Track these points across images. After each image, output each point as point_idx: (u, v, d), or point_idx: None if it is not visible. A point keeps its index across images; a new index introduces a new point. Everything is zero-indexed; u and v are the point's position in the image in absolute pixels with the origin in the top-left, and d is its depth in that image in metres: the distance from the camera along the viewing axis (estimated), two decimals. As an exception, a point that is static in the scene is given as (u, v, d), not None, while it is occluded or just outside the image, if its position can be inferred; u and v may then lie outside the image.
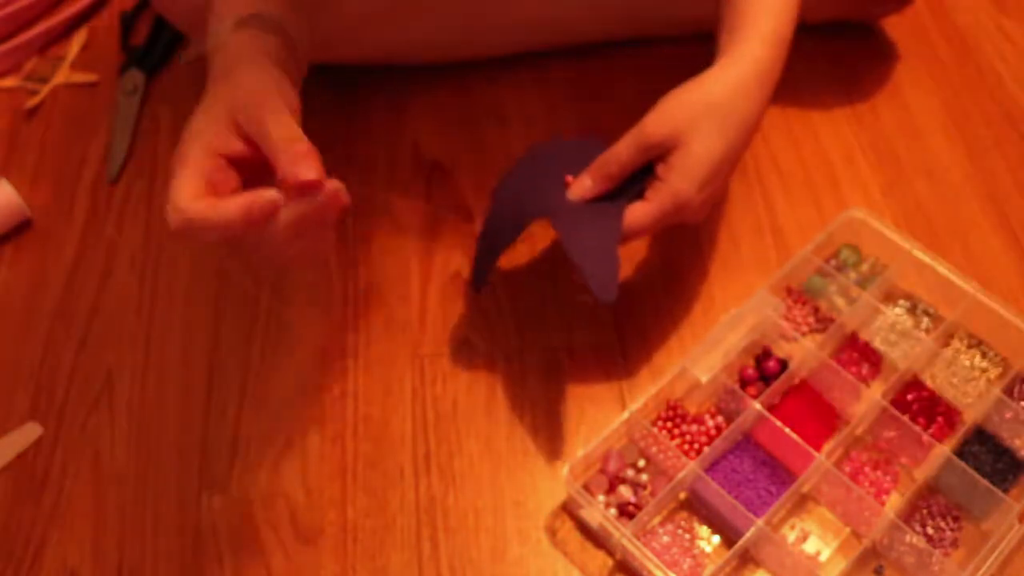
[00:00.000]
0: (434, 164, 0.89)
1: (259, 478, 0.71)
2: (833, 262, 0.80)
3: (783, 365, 0.74)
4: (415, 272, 0.82)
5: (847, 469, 0.70)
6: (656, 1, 0.92)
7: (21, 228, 0.86)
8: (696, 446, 0.70)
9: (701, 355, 0.71)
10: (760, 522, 0.64)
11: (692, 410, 0.73)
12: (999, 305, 0.73)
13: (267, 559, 0.67)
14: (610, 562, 0.67)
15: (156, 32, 0.98)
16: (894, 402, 0.71)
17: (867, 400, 0.71)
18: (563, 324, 0.78)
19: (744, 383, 0.73)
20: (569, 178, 0.68)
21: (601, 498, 0.68)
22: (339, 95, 0.94)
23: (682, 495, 0.69)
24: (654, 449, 0.70)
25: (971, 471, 0.67)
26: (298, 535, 0.68)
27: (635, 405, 0.69)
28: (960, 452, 0.70)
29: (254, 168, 0.56)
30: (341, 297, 0.80)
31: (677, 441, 0.70)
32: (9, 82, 0.97)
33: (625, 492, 0.68)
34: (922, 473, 0.69)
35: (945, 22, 1.00)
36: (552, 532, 0.68)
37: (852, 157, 0.89)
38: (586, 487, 0.68)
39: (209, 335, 0.78)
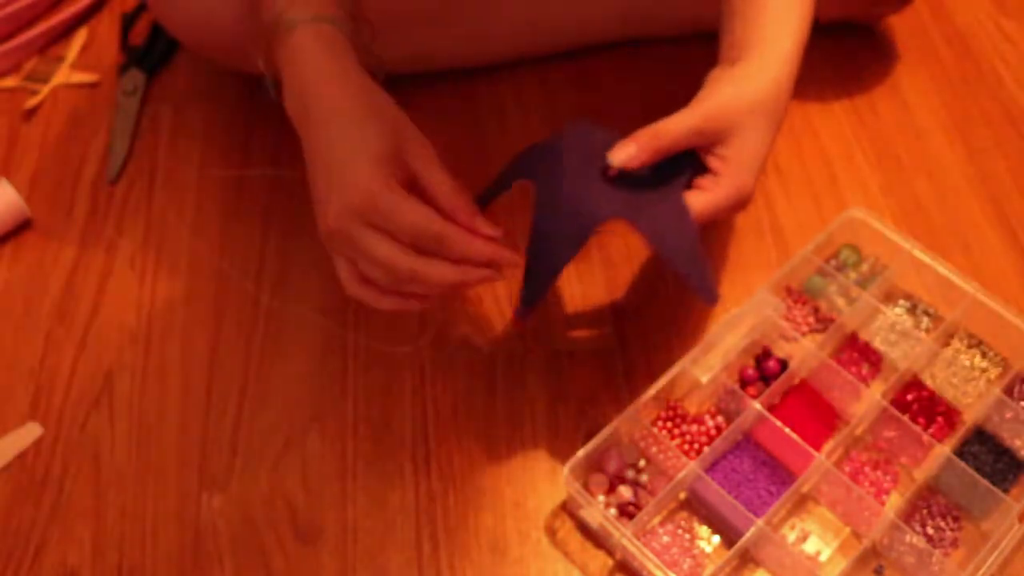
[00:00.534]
0: (434, 164, 0.89)
1: (259, 478, 0.71)
2: (833, 262, 0.80)
3: (783, 365, 0.74)
4: (415, 272, 0.81)
5: (847, 469, 0.70)
6: (656, 1, 0.92)
7: (21, 228, 0.86)
8: (696, 446, 0.70)
9: (701, 355, 0.71)
10: (760, 522, 0.64)
11: (692, 410, 0.73)
12: (999, 305, 0.74)
13: (267, 559, 0.67)
14: (610, 562, 0.67)
15: (156, 32, 0.98)
16: (894, 402, 0.71)
17: (867, 400, 0.71)
18: (563, 324, 0.78)
19: (744, 383, 0.73)
20: (612, 169, 0.64)
21: (601, 498, 0.68)
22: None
23: (682, 495, 0.69)
24: (654, 449, 0.70)
25: (971, 471, 0.67)
26: (298, 535, 0.68)
27: (635, 405, 0.69)
28: (960, 452, 0.70)
29: None
30: (341, 297, 0.80)
31: (677, 441, 0.70)
32: (9, 82, 0.97)
33: (625, 492, 0.68)
34: (922, 473, 0.69)
35: (945, 22, 1.00)
36: (552, 532, 0.68)
37: (852, 157, 0.89)
38: (586, 487, 0.68)
39: (209, 335, 0.78)
